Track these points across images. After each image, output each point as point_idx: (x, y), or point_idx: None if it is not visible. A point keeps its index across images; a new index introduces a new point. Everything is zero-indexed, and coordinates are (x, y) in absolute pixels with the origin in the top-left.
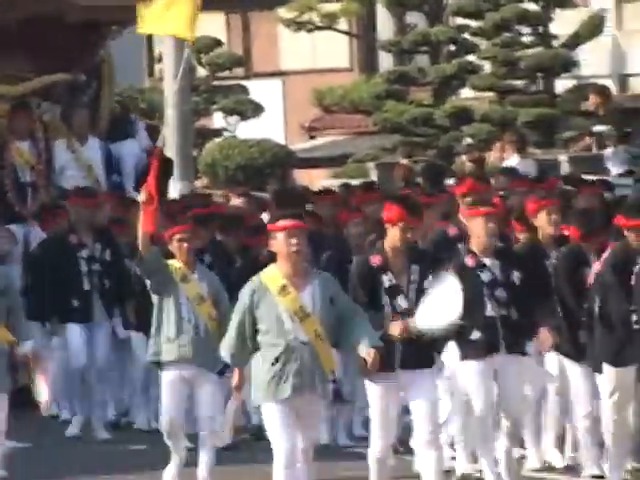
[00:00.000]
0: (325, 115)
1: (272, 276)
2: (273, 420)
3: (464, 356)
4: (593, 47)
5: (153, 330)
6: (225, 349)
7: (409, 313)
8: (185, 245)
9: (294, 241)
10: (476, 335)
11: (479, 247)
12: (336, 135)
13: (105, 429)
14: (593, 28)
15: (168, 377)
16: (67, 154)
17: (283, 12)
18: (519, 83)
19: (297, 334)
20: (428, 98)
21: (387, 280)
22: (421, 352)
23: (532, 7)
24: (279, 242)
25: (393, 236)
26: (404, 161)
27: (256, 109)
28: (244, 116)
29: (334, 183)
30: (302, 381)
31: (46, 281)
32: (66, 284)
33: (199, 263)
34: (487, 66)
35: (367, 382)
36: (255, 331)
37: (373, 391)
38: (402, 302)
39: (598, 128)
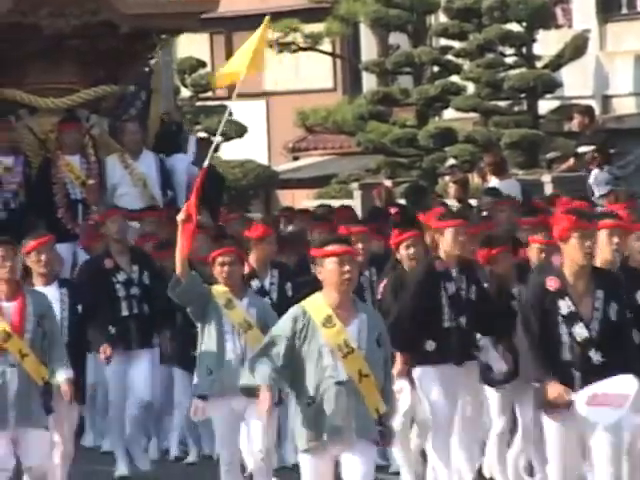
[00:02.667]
0: (309, 136)
1: (317, 305)
2: (306, 474)
3: None
4: (576, 68)
5: (198, 361)
6: (260, 369)
7: (590, 344)
8: (227, 269)
9: (346, 268)
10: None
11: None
12: (320, 156)
13: (146, 460)
14: (576, 49)
15: (218, 412)
16: (120, 170)
17: (268, 33)
18: (502, 104)
19: (337, 371)
20: (411, 119)
21: (565, 307)
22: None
23: (515, 28)
24: (327, 269)
25: (570, 252)
26: (386, 182)
27: (239, 130)
28: (227, 137)
29: (317, 204)
30: (340, 424)
31: (84, 308)
32: (103, 310)
33: (250, 288)
34: (470, 87)
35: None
36: (290, 363)
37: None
38: (582, 331)
39: (582, 149)
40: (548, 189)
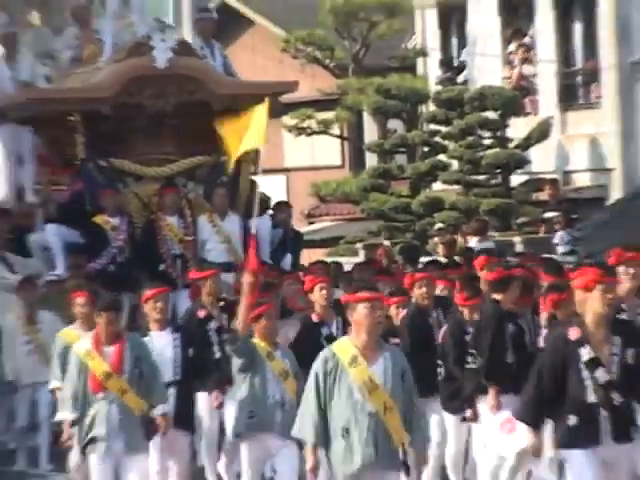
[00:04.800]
0: (321, 204)
1: (344, 347)
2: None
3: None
4: (541, 148)
5: (238, 405)
6: (305, 427)
7: (611, 386)
8: (269, 323)
9: (378, 313)
10: None
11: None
12: (330, 221)
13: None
14: (541, 133)
15: (250, 447)
16: (209, 228)
17: (286, 119)
18: (481, 178)
19: (366, 405)
20: (406, 190)
21: (586, 353)
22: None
23: (491, 115)
24: (360, 313)
25: (593, 302)
26: (386, 243)
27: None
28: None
29: (329, 260)
30: (370, 453)
31: (192, 352)
32: (202, 353)
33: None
34: (455, 164)
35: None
36: (326, 408)
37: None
38: (602, 375)
39: (548, 215)
40: (519, 248)
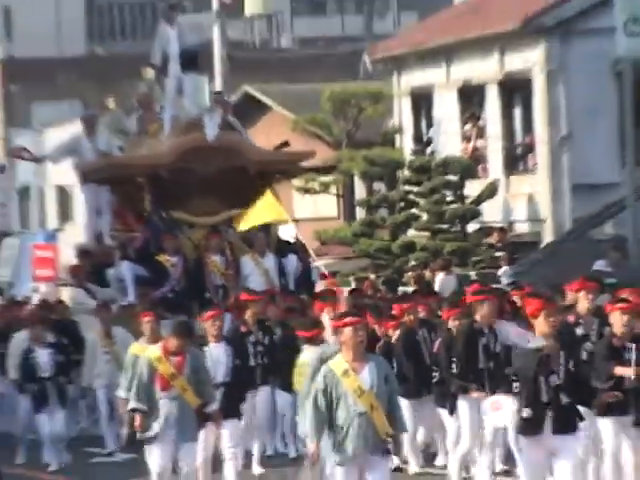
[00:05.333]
0: (322, 247)
1: (337, 363)
2: (337, 476)
3: None
4: (491, 204)
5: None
6: (309, 426)
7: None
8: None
9: (360, 334)
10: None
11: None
12: (329, 259)
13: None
14: (490, 192)
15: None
16: (251, 264)
17: (295, 182)
18: (444, 226)
19: (357, 407)
20: (387, 236)
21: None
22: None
23: (452, 178)
24: (346, 335)
25: (539, 326)
26: (372, 276)
27: None
28: None
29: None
30: (361, 443)
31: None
32: (242, 361)
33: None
34: (424, 216)
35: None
36: (327, 407)
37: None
38: (553, 380)
39: (496, 254)
40: (474, 280)
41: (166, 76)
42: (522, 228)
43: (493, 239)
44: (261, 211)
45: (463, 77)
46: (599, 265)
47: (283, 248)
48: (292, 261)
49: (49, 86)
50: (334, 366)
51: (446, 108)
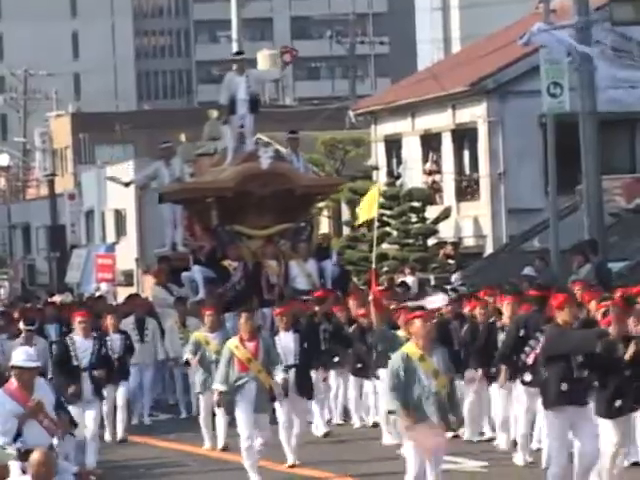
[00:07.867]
0: None
1: (412, 349)
2: (409, 444)
3: None
4: (446, 224)
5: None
6: (394, 401)
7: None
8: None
9: (430, 324)
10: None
11: None
12: None
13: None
14: (445, 215)
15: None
16: (297, 268)
17: None
18: (410, 241)
19: (431, 387)
20: (367, 248)
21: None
22: None
23: (416, 204)
24: (417, 326)
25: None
26: (354, 279)
27: None
28: None
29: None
30: (435, 416)
31: (306, 345)
32: (313, 345)
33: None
34: (395, 233)
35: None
36: (405, 386)
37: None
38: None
39: (449, 261)
40: (433, 282)
41: (233, 114)
42: (469, 242)
43: (447, 251)
44: (369, 207)
45: (424, 127)
46: (527, 271)
47: (321, 254)
48: (328, 264)
49: (108, 133)
50: (410, 352)
51: (411, 151)
